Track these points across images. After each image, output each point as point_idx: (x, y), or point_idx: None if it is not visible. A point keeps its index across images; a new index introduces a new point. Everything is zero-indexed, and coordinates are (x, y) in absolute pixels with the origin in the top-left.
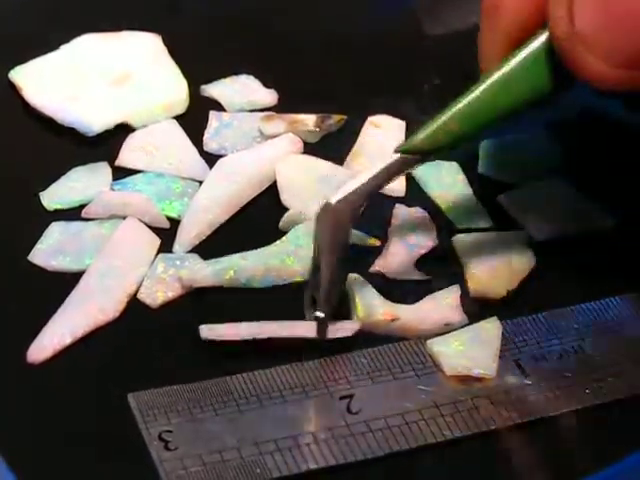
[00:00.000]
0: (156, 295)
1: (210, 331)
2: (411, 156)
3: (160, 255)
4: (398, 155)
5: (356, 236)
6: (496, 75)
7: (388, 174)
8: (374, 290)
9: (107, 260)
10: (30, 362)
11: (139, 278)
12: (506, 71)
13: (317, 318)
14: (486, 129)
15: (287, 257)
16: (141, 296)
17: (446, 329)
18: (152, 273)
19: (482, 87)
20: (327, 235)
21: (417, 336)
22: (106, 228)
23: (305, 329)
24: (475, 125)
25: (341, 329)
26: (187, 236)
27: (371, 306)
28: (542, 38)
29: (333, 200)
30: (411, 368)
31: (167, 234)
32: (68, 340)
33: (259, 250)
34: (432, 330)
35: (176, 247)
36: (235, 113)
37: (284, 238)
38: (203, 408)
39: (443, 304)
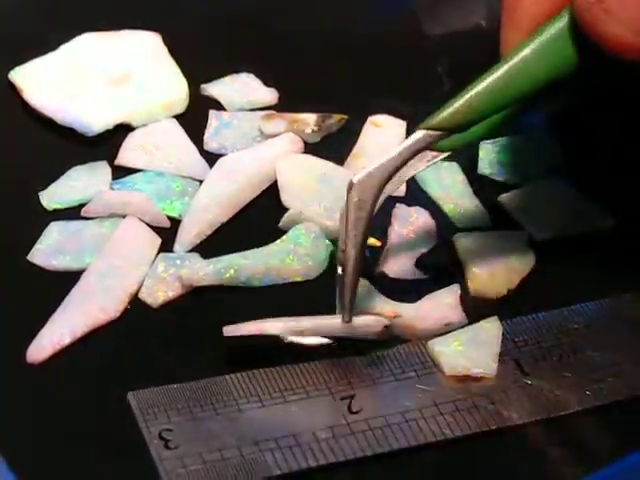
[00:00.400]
0: (157, 295)
1: (234, 328)
2: (434, 132)
3: (161, 254)
4: (423, 131)
5: None
6: (519, 54)
7: (412, 150)
8: (375, 288)
9: (108, 260)
10: (30, 362)
11: (140, 278)
12: (528, 50)
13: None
14: (508, 107)
15: (287, 256)
16: (142, 295)
17: (446, 329)
18: (153, 272)
19: (506, 66)
20: (352, 212)
21: (417, 335)
22: (106, 227)
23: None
24: (498, 103)
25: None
26: (187, 236)
27: (371, 304)
28: (563, 19)
29: (356, 179)
30: (412, 369)
31: (167, 233)
32: (67, 340)
33: (259, 249)
34: (432, 329)
35: (177, 247)
36: (235, 112)
37: (284, 237)
38: (203, 407)
39: (443, 303)
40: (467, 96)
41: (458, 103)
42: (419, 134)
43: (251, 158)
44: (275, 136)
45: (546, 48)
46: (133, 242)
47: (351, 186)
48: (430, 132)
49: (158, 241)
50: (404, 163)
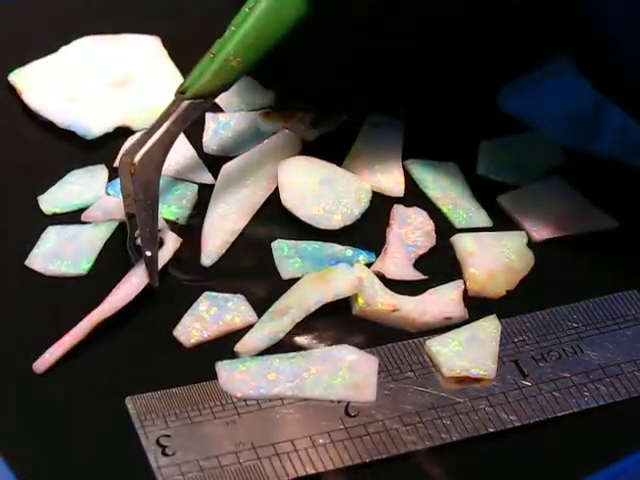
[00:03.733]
0: (191, 334)
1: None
2: (200, 100)
3: (205, 293)
4: (188, 102)
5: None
6: (263, 3)
7: (182, 122)
8: (377, 280)
9: None
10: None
11: None
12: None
13: (147, 256)
14: (264, 57)
15: None
16: (176, 333)
17: (446, 323)
18: (194, 310)
19: (252, 18)
20: (140, 192)
21: (417, 329)
22: (102, 231)
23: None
24: (254, 56)
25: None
26: (213, 247)
27: (372, 295)
28: None
29: (136, 160)
30: (410, 369)
31: None
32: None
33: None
34: (432, 323)
35: (204, 260)
36: (231, 113)
37: None
38: (201, 411)
39: (445, 298)
40: (222, 57)
41: (215, 67)
42: (184, 104)
43: (254, 160)
44: (273, 133)
45: None
46: None
47: (132, 168)
48: (195, 101)
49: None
50: (177, 135)
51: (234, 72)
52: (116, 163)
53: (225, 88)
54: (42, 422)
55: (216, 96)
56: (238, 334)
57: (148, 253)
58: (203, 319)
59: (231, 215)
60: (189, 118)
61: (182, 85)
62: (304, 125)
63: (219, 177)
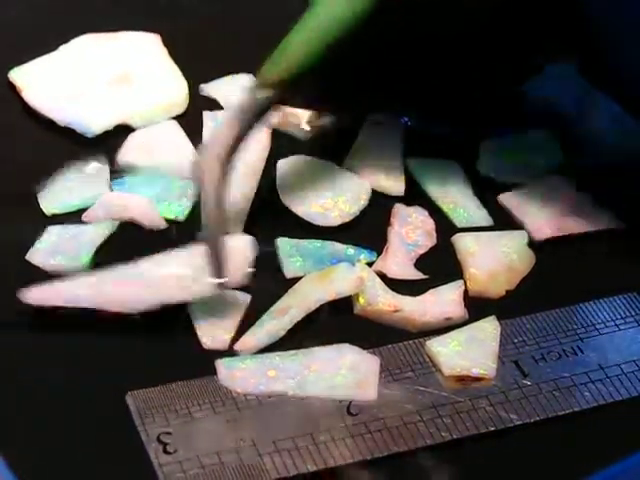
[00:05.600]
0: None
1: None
2: (269, 93)
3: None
4: (256, 96)
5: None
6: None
7: (254, 118)
8: (378, 279)
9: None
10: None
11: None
12: None
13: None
14: (326, 50)
15: None
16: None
17: (446, 323)
18: (195, 308)
19: (314, 14)
20: (213, 190)
21: (417, 329)
22: (103, 228)
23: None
24: (316, 47)
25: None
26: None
27: (374, 295)
28: None
29: (213, 156)
30: (410, 368)
31: (165, 236)
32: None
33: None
34: (433, 323)
35: None
36: (228, 111)
37: None
38: (202, 406)
39: (445, 298)
40: (286, 47)
41: (281, 57)
42: (257, 98)
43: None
44: (270, 126)
45: None
46: None
47: (213, 163)
48: (265, 95)
49: None
50: (252, 130)
51: (301, 63)
52: (119, 162)
53: (293, 79)
54: (42, 422)
55: (287, 88)
56: (238, 332)
57: (216, 257)
58: (204, 321)
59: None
60: (261, 114)
61: (256, 79)
62: (300, 123)
63: None
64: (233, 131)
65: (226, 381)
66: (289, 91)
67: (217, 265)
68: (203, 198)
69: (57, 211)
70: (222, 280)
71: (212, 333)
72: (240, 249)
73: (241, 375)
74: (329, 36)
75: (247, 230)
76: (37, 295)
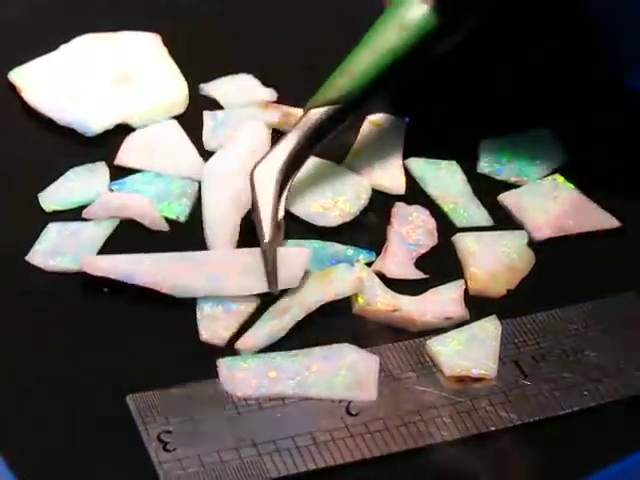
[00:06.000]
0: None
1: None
2: (327, 108)
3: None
4: (314, 111)
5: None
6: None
7: (314, 133)
8: (378, 279)
9: None
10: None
11: None
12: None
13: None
14: (381, 75)
15: None
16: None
17: (446, 323)
18: (197, 307)
19: (370, 35)
20: (270, 204)
21: (417, 328)
22: (103, 227)
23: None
24: (371, 70)
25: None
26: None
27: (373, 295)
28: None
29: (275, 169)
30: (410, 368)
31: (166, 235)
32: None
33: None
34: (433, 323)
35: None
36: (229, 111)
37: None
38: (202, 409)
39: (446, 298)
40: (343, 68)
41: (337, 77)
42: (312, 115)
43: (231, 155)
44: (270, 125)
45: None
46: None
47: (273, 178)
48: (321, 109)
49: None
50: (312, 148)
51: (353, 82)
52: (119, 161)
53: (347, 96)
54: (42, 422)
55: (342, 104)
56: (239, 331)
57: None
58: (207, 316)
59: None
60: (319, 129)
61: (313, 98)
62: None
63: (203, 179)
64: (291, 146)
65: (227, 383)
66: (344, 110)
67: (271, 275)
68: (258, 210)
69: (57, 208)
70: (274, 289)
71: (212, 328)
72: (297, 260)
73: (242, 376)
74: (383, 62)
75: (247, 230)
76: (94, 264)
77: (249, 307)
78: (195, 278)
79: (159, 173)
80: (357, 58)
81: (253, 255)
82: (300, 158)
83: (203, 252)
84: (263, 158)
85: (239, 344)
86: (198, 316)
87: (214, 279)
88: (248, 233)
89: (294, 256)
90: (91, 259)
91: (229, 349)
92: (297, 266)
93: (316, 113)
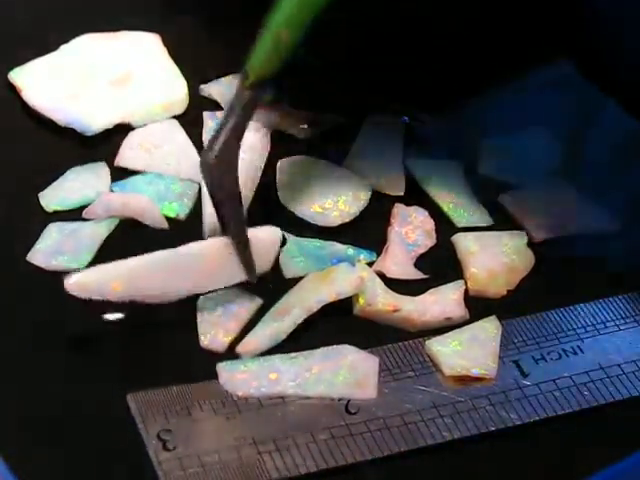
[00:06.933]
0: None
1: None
2: (261, 84)
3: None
4: (249, 91)
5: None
6: None
7: (249, 112)
8: (378, 280)
9: None
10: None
11: None
12: None
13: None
14: (310, 25)
15: None
16: (204, 343)
17: (447, 323)
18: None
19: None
20: (222, 187)
21: (417, 329)
22: (102, 227)
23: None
24: (299, 26)
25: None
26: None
27: (373, 295)
28: None
29: (211, 157)
30: (410, 368)
31: (166, 235)
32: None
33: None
34: (433, 323)
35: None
36: None
37: None
38: (202, 407)
39: (446, 298)
40: (269, 37)
41: (265, 48)
42: (247, 94)
43: None
44: (269, 125)
45: None
46: None
47: (208, 165)
48: (257, 87)
49: None
50: (247, 125)
51: (285, 46)
52: (119, 161)
53: (280, 65)
54: (42, 422)
55: (275, 75)
56: (239, 335)
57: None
58: (207, 319)
59: None
60: (255, 107)
61: (243, 73)
62: (299, 123)
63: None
64: (231, 128)
65: (227, 384)
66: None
67: (245, 260)
68: (218, 197)
69: (57, 208)
70: (251, 275)
71: (212, 333)
72: (267, 239)
73: (242, 377)
74: (309, 12)
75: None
76: (76, 286)
77: (250, 309)
78: (172, 281)
79: (159, 174)
80: (282, 12)
81: (224, 244)
82: (243, 131)
83: (172, 250)
84: (210, 146)
85: (240, 348)
86: (198, 319)
87: (190, 279)
88: None
89: (264, 238)
90: (73, 280)
91: (229, 352)
92: (269, 248)
93: (254, 92)
